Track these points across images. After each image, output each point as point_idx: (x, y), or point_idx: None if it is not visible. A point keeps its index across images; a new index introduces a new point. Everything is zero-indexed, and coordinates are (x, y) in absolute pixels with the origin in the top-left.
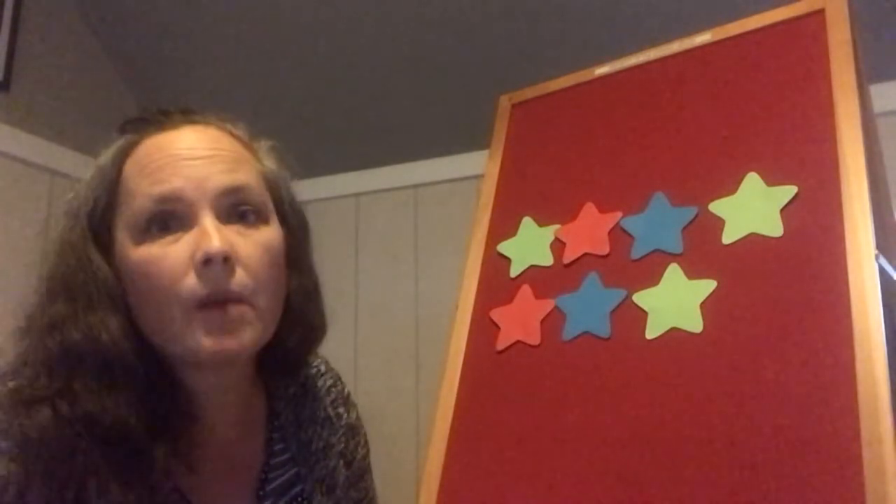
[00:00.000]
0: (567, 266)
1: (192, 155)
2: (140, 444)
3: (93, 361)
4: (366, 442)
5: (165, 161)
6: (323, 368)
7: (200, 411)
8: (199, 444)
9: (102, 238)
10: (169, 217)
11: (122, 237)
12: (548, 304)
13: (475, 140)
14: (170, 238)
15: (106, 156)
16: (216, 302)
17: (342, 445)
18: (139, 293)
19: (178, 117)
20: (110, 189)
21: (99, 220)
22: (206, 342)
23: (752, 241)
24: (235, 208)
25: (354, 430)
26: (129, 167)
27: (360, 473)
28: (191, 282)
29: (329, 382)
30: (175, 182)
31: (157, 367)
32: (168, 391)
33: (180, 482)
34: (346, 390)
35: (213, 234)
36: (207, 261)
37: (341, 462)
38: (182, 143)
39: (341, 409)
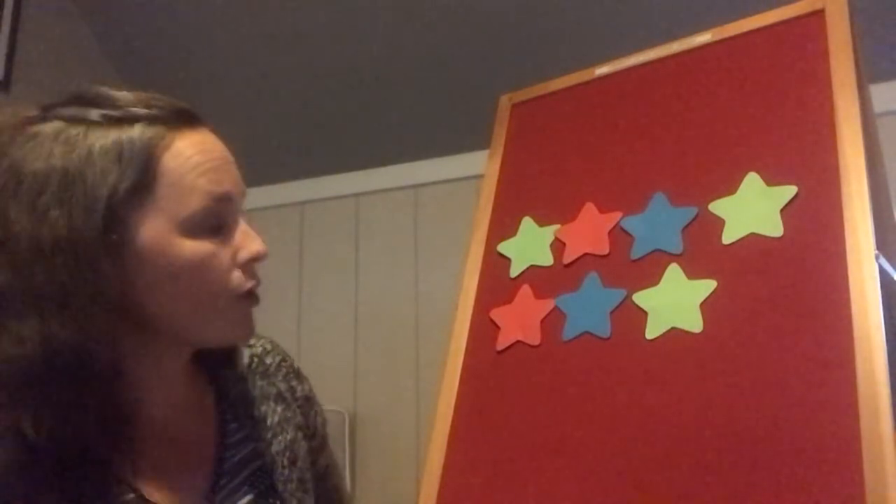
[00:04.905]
0: (567, 266)
1: (229, 159)
2: (77, 457)
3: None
4: (322, 412)
5: (217, 162)
6: (269, 347)
7: (146, 399)
8: (145, 437)
9: (113, 225)
10: (222, 216)
11: (163, 228)
12: (548, 304)
13: (475, 140)
14: (219, 237)
15: (121, 141)
16: (251, 296)
17: (299, 418)
18: (180, 282)
19: (192, 115)
20: (141, 178)
21: (118, 206)
22: (241, 329)
23: (752, 241)
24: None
25: (310, 402)
26: (172, 161)
27: (323, 442)
28: (238, 276)
29: (278, 359)
30: (228, 184)
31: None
32: (105, 392)
33: (128, 476)
34: (295, 364)
35: (257, 236)
36: (256, 259)
37: (300, 434)
38: (217, 145)
39: (294, 383)
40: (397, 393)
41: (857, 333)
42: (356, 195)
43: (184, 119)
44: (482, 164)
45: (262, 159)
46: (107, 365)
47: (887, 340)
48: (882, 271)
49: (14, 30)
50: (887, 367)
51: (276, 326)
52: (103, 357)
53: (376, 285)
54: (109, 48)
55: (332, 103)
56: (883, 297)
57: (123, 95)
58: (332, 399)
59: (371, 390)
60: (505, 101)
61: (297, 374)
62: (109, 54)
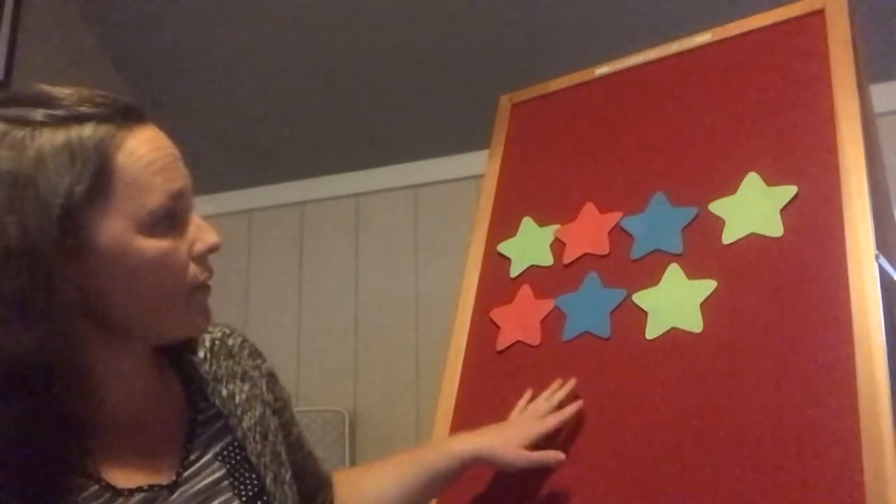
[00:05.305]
0: (567, 266)
1: (177, 154)
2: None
3: None
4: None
5: (168, 159)
6: (228, 331)
7: (110, 395)
8: (111, 429)
9: (70, 228)
10: (178, 212)
11: (122, 227)
12: (548, 304)
13: (475, 140)
14: (175, 232)
15: (72, 142)
16: (204, 286)
17: (268, 395)
18: (141, 280)
19: (138, 112)
20: (96, 179)
21: (75, 209)
22: (200, 320)
23: (752, 241)
24: None
25: (273, 377)
26: (126, 160)
27: (292, 414)
28: (194, 270)
29: (239, 340)
30: (181, 180)
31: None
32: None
33: (91, 468)
34: (253, 344)
35: (210, 228)
36: (211, 250)
37: (268, 410)
38: (166, 141)
39: (259, 361)
40: (397, 393)
41: (857, 333)
42: (356, 195)
43: (131, 116)
44: (482, 164)
45: (262, 159)
46: (67, 370)
47: (887, 340)
48: (882, 271)
49: (14, 30)
50: (887, 367)
51: (276, 326)
52: (64, 362)
53: (376, 285)
54: (110, 48)
55: (333, 103)
56: (883, 297)
57: (66, 94)
58: (332, 399)
59: (371, 390)
60: (505, 101)
61: (259, 353)
62: (109, 54)
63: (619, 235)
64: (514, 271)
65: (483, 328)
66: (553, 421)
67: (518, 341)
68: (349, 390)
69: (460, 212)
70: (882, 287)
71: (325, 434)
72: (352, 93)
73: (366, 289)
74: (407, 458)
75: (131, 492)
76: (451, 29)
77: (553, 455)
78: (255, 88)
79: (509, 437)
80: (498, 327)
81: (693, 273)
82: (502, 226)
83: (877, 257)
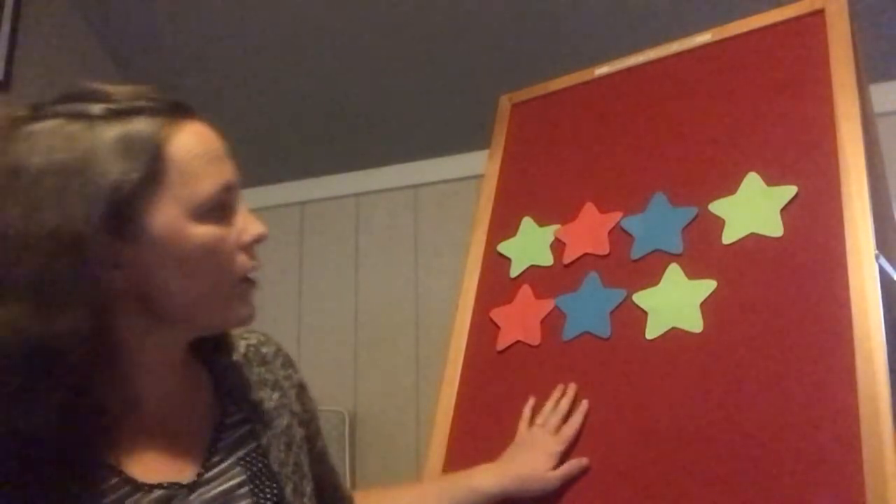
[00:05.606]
0: (567, 266)
1: (225, 148)
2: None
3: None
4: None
5: (218, 152)
6: (263, 339)
7: (141, 386)
8: (138, 422)
9: (121, 217)
10: (227, 203)
11: (175, 214)
12: (548, 304)
13: (475, 140)
14: (224, 222)
15: (127, 134)
16: (251, 281)
17: (297, 406)
18: (191, 267)
19: (187, 108)
20: (150, 167)
21: (128, 196)
22: (245, 310)
23: (752, 241)
24: None
25: (304, 388)
26: (179, 150)
27: (318, 425)
28: (242, 258)
29: (273, 349)
30: (229, 173)
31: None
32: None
33: (112, 460)
34: (288, 354)
35: (256, 219)
36: (259, 240)
37: (295, 421)
38: (214, 135)
39: (290, 371)
40: (397, 393)
41: (857, 333)
42: (356, 195)
43: (181, 111)
44: (482, 164)
45: (262, 159)
46: (102, 358)
47: (887, 340)
48: (882, 271)
49: (14, 30)
50: (887, 366)
51: (276, 326)
52: (98, 349)
53: (376, 285)
54: (110, 48)
55: (332, 103)
56: (883, 297)
57: (120, 90)
58: (332, 399)
59: (371, 390)
60: (505, 101)
61: (292, 363)
62: (109, 54)
63: (619, 235)
64: (514, 271)
65: (483, 328)
66: (569, 434)
67: (518, 341)
68: (349, 390)
69: (460, 212)
70: (882, 287)
71: (325, 434)
72: (352, 93)
73: (366, 289)
74: (431, 491)
75: (151, 487)
76: (451, 29)
77: (577, 464)
78: (255, 89)
79: (535, 465)
80: (498, 327)
81: (693, 273)
82: (502, 226)
83: (877, 257)
